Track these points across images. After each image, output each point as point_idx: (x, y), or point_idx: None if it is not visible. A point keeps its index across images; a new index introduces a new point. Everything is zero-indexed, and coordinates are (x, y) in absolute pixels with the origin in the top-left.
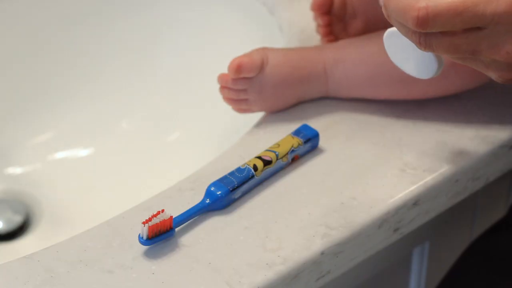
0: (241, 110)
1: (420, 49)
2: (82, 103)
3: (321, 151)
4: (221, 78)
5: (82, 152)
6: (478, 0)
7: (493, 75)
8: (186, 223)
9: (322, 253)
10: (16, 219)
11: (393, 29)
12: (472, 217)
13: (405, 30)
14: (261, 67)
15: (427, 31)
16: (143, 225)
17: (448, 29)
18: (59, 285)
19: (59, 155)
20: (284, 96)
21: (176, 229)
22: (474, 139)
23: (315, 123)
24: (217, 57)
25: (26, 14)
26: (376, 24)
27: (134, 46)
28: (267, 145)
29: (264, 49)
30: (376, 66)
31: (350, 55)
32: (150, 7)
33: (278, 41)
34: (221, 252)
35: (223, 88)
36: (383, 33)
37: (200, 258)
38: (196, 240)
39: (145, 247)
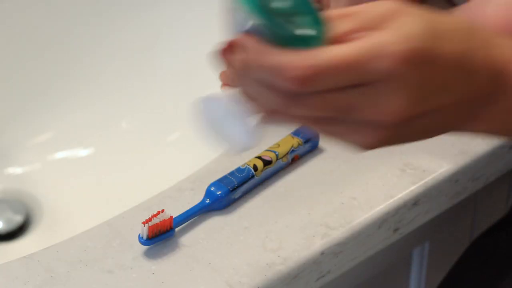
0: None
1: (270, 115)
2: (82, 103)
3: (321, 151)
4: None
5: (82, 152)
6: (361, 56)
7: (359, 139)
8: (186, 223)
9: (322, 253)
10: (16, 219)
11: (210, 94)
12: (472, 217)
13: (267, 92)
14: None
15: (304, 92)
16: (143, 225)
17: (331, 87)
18: (59, 285)
19: (59, 155)
20: None
21: (176, 229)
22: (474, 139)
23: None
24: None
25: (26, 14)
26: None
27: (134, 46)
28: (267, 145)
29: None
30: None
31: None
32: (150, 7)
33: None
34: (221, 252)
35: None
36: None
37: (200, 258)
38: (196, 240)
39: (145, 247)
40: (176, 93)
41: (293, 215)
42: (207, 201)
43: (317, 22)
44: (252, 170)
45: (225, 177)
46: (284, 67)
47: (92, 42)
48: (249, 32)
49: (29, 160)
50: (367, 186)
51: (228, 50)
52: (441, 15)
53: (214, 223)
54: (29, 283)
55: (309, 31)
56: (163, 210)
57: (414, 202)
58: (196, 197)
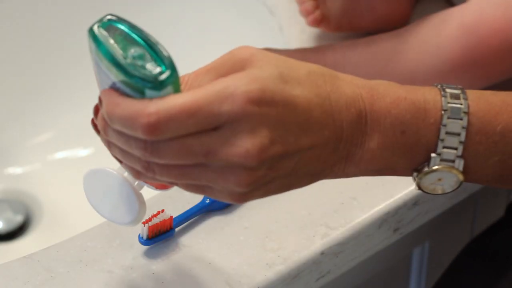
0: None
1: (141, 172)
2: (82, 103)
3: None
4: None
5: (82, 152)
6: (212, 99)
7: (231, 185)
8: (186, 223)
9: (322, 253)
10: (16, 219)
11: (96, 168)
12: (472, 217)
13: (130, 144)
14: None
15: (158, 139)
16: (143, 225)
17: (182, 133)
18: (59, 285)
19: (59, 155)
20: None
21: (176, 229)
22: None
23: None
24: (217, 57)
25: (26, 14)
26: (354, 12)
27: None
28: None
29: (263, 49)
30: (376, 69)
31: (350, 58)
32: (150, 7)
33: (278, 41)
34: (221, 252)
35: None
36: (384, 37)
37: (200, 258)
38: (196, 240)
39: (145, 247)
40: None
41: (293, 215)
42: (207, 201)
43: (167, 70)
44: None
45: None
46: (132, 116)
47: None
48: (112, 88)
49: (29, 160)
50: (367, 186)
51: (95, 113)
52: (295, 62)
53: (214, 223)
54: (29, 283)
55: (159, 76)
56: (163, 210)
57: (414, 202)
58: (196, 197)
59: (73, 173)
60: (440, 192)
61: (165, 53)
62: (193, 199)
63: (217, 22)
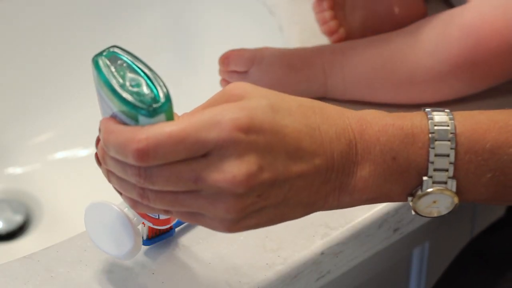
0: None
1: (136, 199)
2: (82, 103)
3: None
4: (219, 71)
5: (82, 152)
6: (200, 127)
7: (221, 211)
8: (186, 223)
9: (322, 253)
10: (16, 219)
11: (96, 201)
12: (472, 217)
13: (126, 171)
14: (251, 62)
15: (148, 165)
16: (143, 225)
17: (171, 159)
18: (59, 285)
19: (59, 155)
20: None
21: (176, 229)
22: None
23: None
24: (217, 57)
25: (26, 14)
26: (374, 21)
27: (134, 46)
28: None
29: (262, 47)
30: (375, 70)
31: (349, 58)
32: (150, 7)
33: (278, 41)
34: (221, 252)
35: (222, 81)
36: (384, 37)
37: (200, 258)
38: (196, 240)
39: (145, 247)
40: (176, 93)
41: None
42: None
43: (161, 99)
44: None
45: None
46: (124, 142)
47: (93, 42)
48: (112, 117)
49: (29, 160)
50: None
51: (97, 144)
52: (285, 95)
53: None
54: (29, 283)
55: (152, 104)
56: None
57: None
58: None
59: (73, 173)
60: (436, 214)
61: (161, 84)
62: None
63: (217, 22)
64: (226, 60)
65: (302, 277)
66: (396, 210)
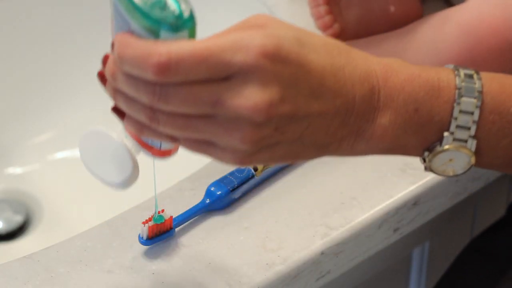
0: None
1: (147, 119)
2: (82, 103)
3: None
4: None
5: None
6: (226, 48)
7: (235, 141)
8: (186, 223)
9: (322, 253)
10: (16, 219)
11: (93, 128)
12: (472, 217)
13: (138, 88)
14: None
15: (167, 81)
16: (143, 225)
17: (191, 77)
18: (59, 285)
19: (59, 155)
20: None
21: (176, 229)
22: None
23: None
24: None
25: (27, 14)
26: (369, 18)
27: None
28: None
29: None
30: None
31: None
32: None
33: None
34: (221, 252)
35: None
36: (382, 37)
37: (200, 258)
38: (196, 240)
39: (145, 247)
40: None
41: (293, 215)
42: (207, 201)
43: (185, 15)
44: (252, 170)
45: (225, 177)
46: (144, 55)
47: (93, 42)
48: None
49: (29, 160)
50: (367, 186)
51: (104, 62)
52: (310, 32)
53: (214, 223)
54: (29, 283)
55: (176, 19)
56: (163, 210)
57: (414, 202)
58: (196, 197)
59: (73, 173)
60: (451, 174)
61: (187, 1)
62: (193, 199)
63: (217, 22)
64: None
65: (302, 277)
66: (396, 210)
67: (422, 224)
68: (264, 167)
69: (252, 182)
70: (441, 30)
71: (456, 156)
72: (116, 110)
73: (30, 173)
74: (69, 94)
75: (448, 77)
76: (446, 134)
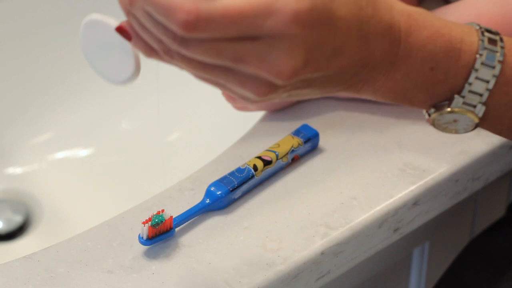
0: (239, 108)
1: (162, 53)
2: (82, 103)
3: (321, 151)
4: None
5: (82, 152)
6: (258, 10)
7: (247, 92)
8: (186, 223)
9: (322, 253)
10: (16, 219)
11: (96, 16)
12: (472, 217)
13: (157, 28)
14: None
15: (191, 36)
16: (143, 225)
17: (218, 35)
18: (59, 285)
19: (59, 155)
20: None
21: (176, 229)
22: (474, 139)
23: (315, 123)
24: None
25: (27, 14)
26: None
27: None
28: (267, 145)
29: None
30: None
31: None
32: None
33: None
34: (221, 252)
35: None
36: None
37: (200, 258)
38: (196, 240)
39: (145, 247)
40: (176, 93)
41: (293, 215)
42: (207, 201)
43: None
44: (252, 170)
45: (225, 177)
46: (172, 8)
47: None
48: None
49: (29, 160)
50: (367, 186)
51: None
52: None
53: (214, 223)
54: (29, 283)
55: None
56: (163, 210)
57: (414, 202)
58: (196, 197)
59: (73, 173)
60: (453, 132)
61: None
62: (193, 199)
63: None
64: None
65: (302, 277)
66: (396, 210)
67: (422, 224)
68: (264, 167)
69: (252, 182)
70: None
71: (462, 118)
72: (121, 29)
73: (30, 173)
74: (69, 94)
75: (471, 40)
76: (457, 96)
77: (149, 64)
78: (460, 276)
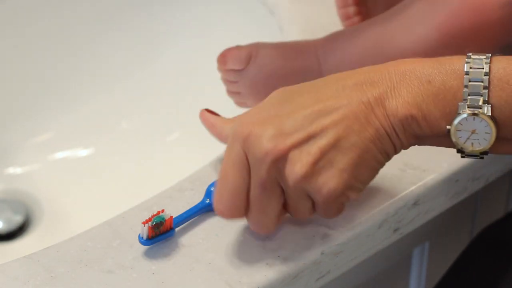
0: (237, 103)
1: None
2: (82, 103)
3: None
4: (218, 69)
5: (82, 152)
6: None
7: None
8: (186, 223)
9: (322, 253)
10: (16, 219)
11: None
12: (472, 217)
13: None
14: (248, 59)
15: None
16: (143, 225)
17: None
18: (59, 285)
19: (59, 155)
20: (279, 87)
21: (176, 229)
22: None
23: None
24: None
25: (27, 15)
26: None
27: (134, 46)
28: None
29: (255, 43)
30: (366, 49)
31: (340, 43)
32: (150, 7)
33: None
34: (221, 252)
35: (222, 79)
36: (377, 21)
37: (200, 258)
38: (196, 240)
39: (145, 247)
40: (176, 93)
41: None
42: (207, 201)
43: None
44: None
45: None
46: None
47: (92, 42)
48: None
49: (29, 160)
50: (367, 186)
51: None
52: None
53: (214, 223)
54: (29, 283)
55: None
56: (163, 210)
57: (414, 202)
58: (196, 197)
59: (73, 173)
60: (477, 148)
61: None
62: (193, 199)
63: (217, 22)
64: (223, 59)
65: (302, 277)
66: (396, 210)
67: (422, 224)
68: None
69: None
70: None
71: (476, 125)
72: None
73: (30, 173)
74: (69, 94)
75: (457, 56)
76: (461, 103)
77: (149, 64)
78: (467, 268)
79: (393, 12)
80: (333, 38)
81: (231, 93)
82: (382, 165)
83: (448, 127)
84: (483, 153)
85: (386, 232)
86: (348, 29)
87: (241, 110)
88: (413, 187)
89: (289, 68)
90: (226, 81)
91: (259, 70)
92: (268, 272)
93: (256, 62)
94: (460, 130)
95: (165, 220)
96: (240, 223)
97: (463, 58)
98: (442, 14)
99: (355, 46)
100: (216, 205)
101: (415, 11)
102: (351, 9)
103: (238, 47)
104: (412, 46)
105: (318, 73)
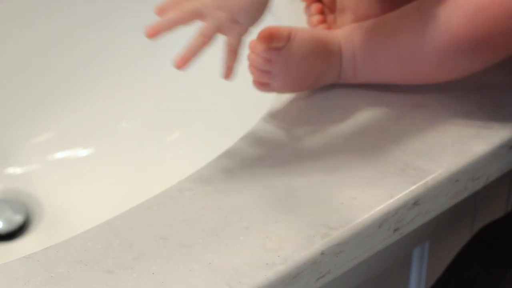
0: (261, 84)
1: None
2: (82, 103)
3: (321, 151)
4: (253, 45)
5: (82, 152)
6: None
7: None
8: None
9: (322, 253)
10: (16, 219)
11: None
12: (472, 217)
13: None
14: (288, 39)
15: None
16: None
17: None
18: (59, 285)
19: (59, 155)
20: (307, 72)
21: (176, 229)
22: (474, 139)
23: (315, 124)
24: (217, 57)
25: (26, 14)
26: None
27: (134, 46)
28: (267, 145)
29: (292, 27)
30: (400, 61)
31: (359, 41)
32: (150, 7)
33: None
34: (221, 252)
35: (252, 54)
36: (390, 15)
37: (200, 258)
38: (196, 240)
39: (145, 247)
40: (175, 93)
41: (293, 215)
42: None
43: None
44: None
45: None
46: None
47: (92, 42)
48: None
49: (29, 160)
50: (367, 186)
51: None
52: None
53: (214, 223)
54: (29, 283)
55: None
56: None
57: (414, 202)
58: (196, 197)
59: (73, 173)
60: None
61: None
62: (193, 199)
63: None
64: (269, 35)
65: (302, 277)
66: (396, 210)
67: (422, 224)
68: None
69: None
70: (444, 3)
71: None
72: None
73: (30, 173)
74: (69, 94)
75: None
76: None
77: (149, 64)
78: (466, 266)
79: (408, 10)
80: (366, 40)
81: (261, 71)
82: None
83: None
84: None
85: (386, 232)
86: (381, 31)
87: (242, 106)
88: (413, 187)
89: (322, 50)
90: (262, 58)
91: (296, 51)
92: (268, 272)
93: (293, 43)
94: None
95: None
96: (240, 223)
97: None
98: (457, 20)
99: (372, 45)
100: None
101: (430, 12)
102: (315, 18)
103: (278, 27)
104: (424, 47)
105: (337, 71)
